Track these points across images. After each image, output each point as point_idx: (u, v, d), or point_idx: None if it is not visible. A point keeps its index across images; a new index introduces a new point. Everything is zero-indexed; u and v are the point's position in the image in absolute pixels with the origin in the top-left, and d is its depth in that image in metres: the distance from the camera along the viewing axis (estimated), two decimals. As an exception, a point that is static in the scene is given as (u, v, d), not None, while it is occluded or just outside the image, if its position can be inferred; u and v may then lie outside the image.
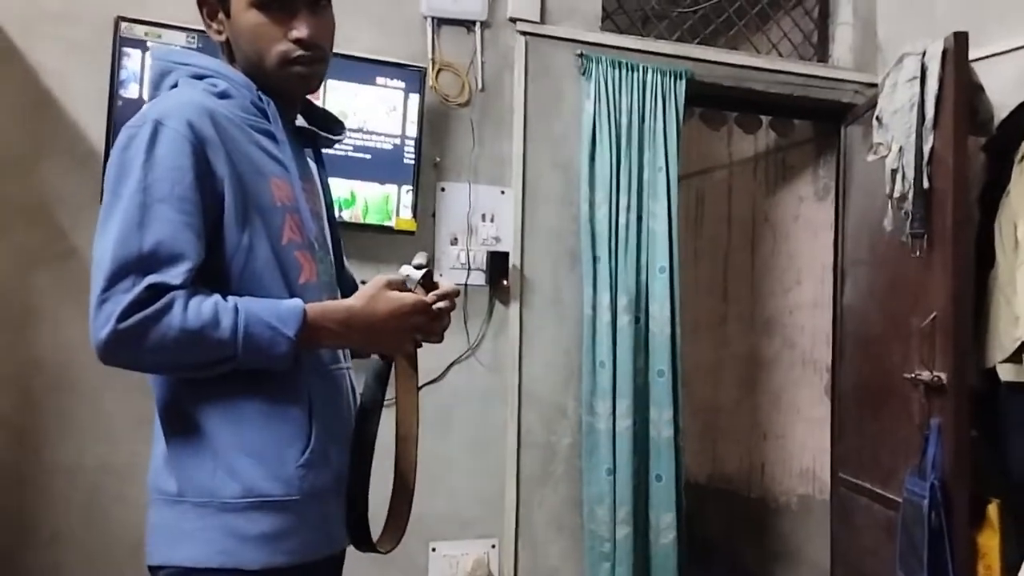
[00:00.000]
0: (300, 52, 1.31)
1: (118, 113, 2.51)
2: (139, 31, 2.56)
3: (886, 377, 3.06)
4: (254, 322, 1.18)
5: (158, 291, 1.15)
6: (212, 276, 1.22)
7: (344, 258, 1.51)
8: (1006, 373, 2.66)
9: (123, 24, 2.55)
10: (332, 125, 1.49)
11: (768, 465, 4.18)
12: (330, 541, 1.34)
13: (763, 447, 4.21)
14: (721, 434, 4.54)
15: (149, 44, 2.54)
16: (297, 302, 1.23)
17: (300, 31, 1.31)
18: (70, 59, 2.61)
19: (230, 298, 1.19)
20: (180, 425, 1.26)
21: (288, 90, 1.36)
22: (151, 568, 1.28)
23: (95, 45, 2.58)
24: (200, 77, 1.32)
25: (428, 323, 1.33)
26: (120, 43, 2.54)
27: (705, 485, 4.51)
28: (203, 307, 1.16)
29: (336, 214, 1.51)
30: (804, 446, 3.90)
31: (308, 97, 1.44)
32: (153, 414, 1.30)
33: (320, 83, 1.40)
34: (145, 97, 2.53)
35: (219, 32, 1.35)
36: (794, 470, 3.98)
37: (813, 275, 3.87)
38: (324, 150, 1.51)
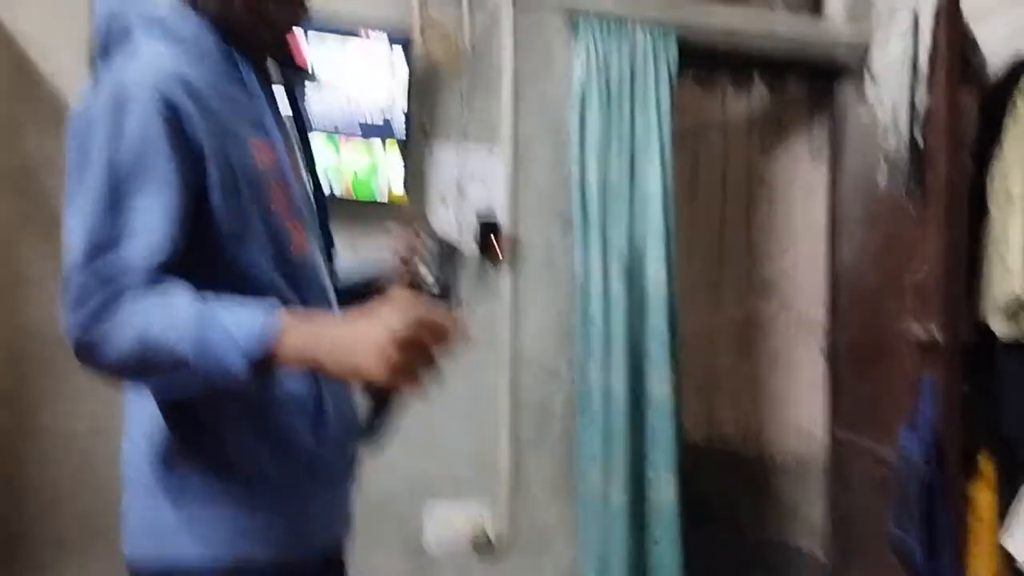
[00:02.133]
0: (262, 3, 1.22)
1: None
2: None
3: (880, 335, 3.05)
4: (209, 328, 1.02)
5: (115, 280, 1.04)
6: (201, 252, 1.12)
7: (328, 217, 1.39)
8: (1000, 328, 2.65)
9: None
10: (296, 68, 1.38)
11: (765, 425, 4.19)
12: (328, 534, 1.30)
13: (760, 408, 4.22)
14: (718, 396, 4.54)
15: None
16: (266, 309, 1.05)
17: None
18: (48, 23, 2.59)
19: (203, 296, 1.05)
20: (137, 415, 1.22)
21: (258, 37, 1.25)
22: (129, 562, 1.22)
23: (73, 6, 2.55)
24: (160, 26, 1.18)
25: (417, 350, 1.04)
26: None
27: (702, 446, 4.52)
28: (167, 306, 1.04)
29: (314, 164, 1.39)
30: (800, 406, 3.90)
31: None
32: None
33: (291, 27, 1.30)
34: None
35: None
36: (791, 430, 3.99)
37: (809, 236, 3.85)
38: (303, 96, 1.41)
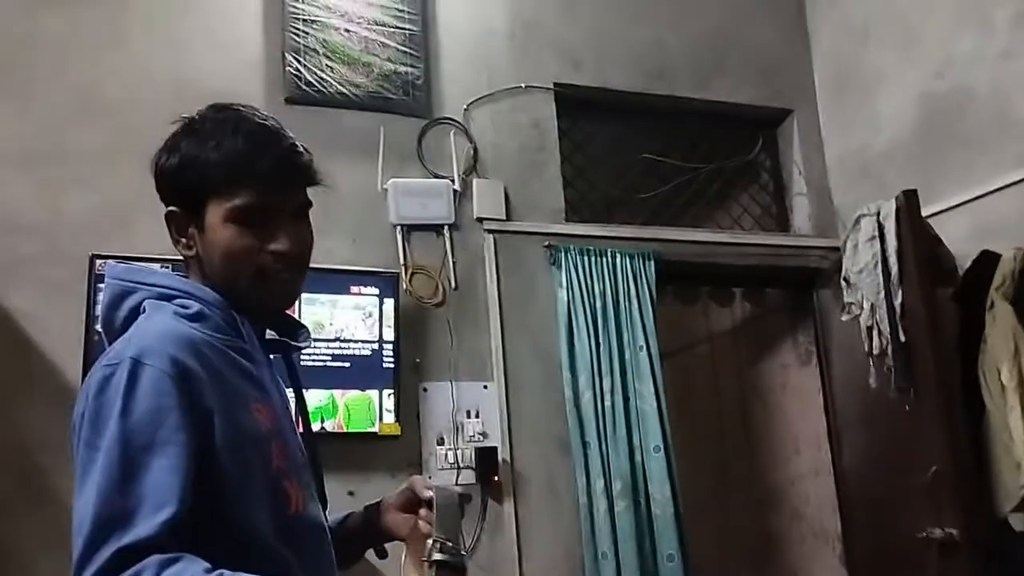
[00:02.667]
0: (279, 266, 1.23)
1: (94, 349, 2.52)
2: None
3: (899, 540, 2.96)
4: None
5: (128, 555, 1.00)
6: (204, 511, 1.09)
7: (321, 471, 1.36)
8: (1018, 523, 2.57)
9: (98, 261, 2.61)
10: (297, 331, 1.38)
11: (794, 648, 3.95)
12: None
13: (786, 629, 3.99)
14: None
15: (124, 276, 2.60)
16: None
17: (280, 244, 1.22)
18: (46, 300, 2.66)
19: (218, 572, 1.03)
20: None
21: (264, 306, 1.27)
22: None
23: (71, 284, 2.63)
24: (167, 298, 1.20)
25: None
26: (95, 280, 2.59)
27: None
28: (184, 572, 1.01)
29: (310, 424, 1.43)
30: (828, 623, 3.70)
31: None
32: None
33: (297, 297, 1.33)
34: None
35: (189, 248, 1.24)
36: (821, 651, 3.76)
37: (809, 442, 3.81)
38: (299, 359, 1.46)
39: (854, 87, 3.64)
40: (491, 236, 3.22)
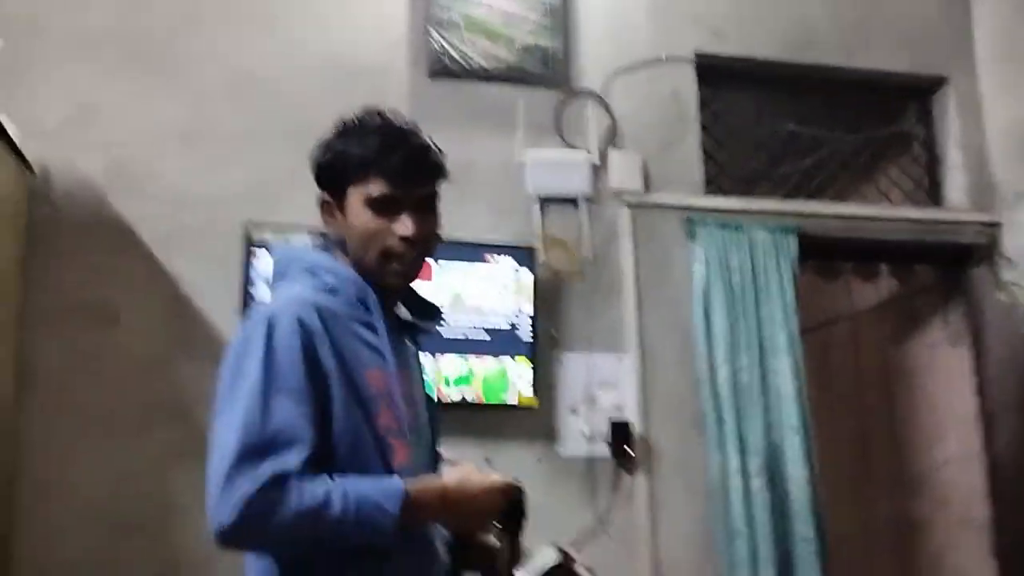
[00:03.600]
0: (403, 249, 1.42)
1: (249, 310, 2.65)
2: (267, 234, 2.74)
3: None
4: (362, 502, 1.24)
5: (281, 479, 1.21)
6: (322, 461, 1.28)
7: (438, 437, 1.58)
8: None
9: (252, 228, 2.74)
10: (431, 312, 1.59)
11: (936, 638, 3.81)
12: None
13: (928, 618, 3.86)
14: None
15: (271, 247, 2.72)
16: (398, 481, 1.29)
17: (405, 228, 1.41)
18: (205, 267, 2.81)
19: (337, 478, 1.25)
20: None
21: (386, 282, 1.45)
22: None
23: (227, 250, 2.77)
24: (312, 273, 1.44)
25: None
26: (249, 246, 2.73)
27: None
28: (316, 489, 1.22)
29: (434, 396, 1.66)
30: (974, 615, 3.55)
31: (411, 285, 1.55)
32: None
33: (415, 277, 1.51)
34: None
35: (335, 230, 1.47)
36: (966, 643, 3.62)
37: (957, 426, 3.64)
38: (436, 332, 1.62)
39: (1019, 57, 3.42)
40: (628, 209, 3.20)
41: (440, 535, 1.46)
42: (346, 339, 1.37)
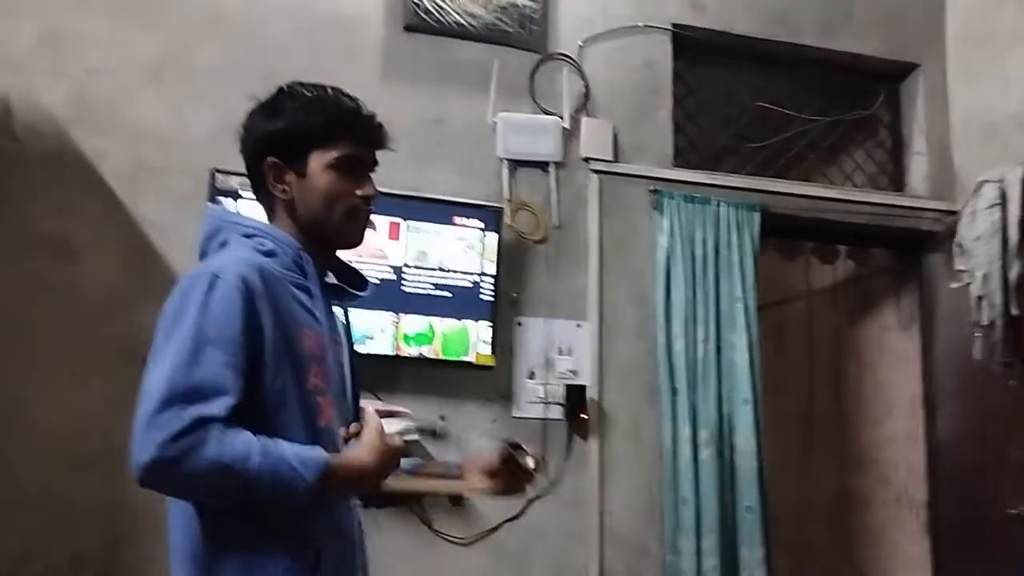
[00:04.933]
0: (365, 207, 1.54)
1: (211, 258, 2.64)
2: (233, 181, 2.71)
3: (987, 514, 2.91)
4: (280, 464, 1.28)
5: (201, 423, 1.25)
6: (248, 414, 1.32)
7: (359, 397, 1.63)
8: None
9: (218, 176, 2.71)
10: (358, 281, 1.65)
11: (867, 610, 3.95)
12: None
13: (860, 590, 3.99)
14: (816, 575, 4.32)
15: (241, 192, 2.70)
16: (321, 452, 1.33)
17: (367, 190, 1.53)
18: (170, 210, 2.78)
19: (261, 437, 1.29)
20: (194, 570, 1.38)
21: (346, 239, 1.56)
22: None
23: (193, 197, 2.74)
24: (249, 236, 1.49)
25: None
26: (214, 193, 2.70)
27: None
28: (236, 441, 1.27)
29: (354, 359, 1.65)
30: (904, 588, 3.68)
31: (339, 255, 1.62)
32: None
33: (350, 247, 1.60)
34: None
35: (284, 192, 1.52)
36: (895, 615, 3.75)
37: (902, 407, 3.74)
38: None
39: (987, 45, 3.46)
40: (596, 177, 3.21)
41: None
42: (284, 300, 1.43)
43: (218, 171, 2.72)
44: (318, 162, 1.50)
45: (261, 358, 1.36)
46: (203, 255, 1.52)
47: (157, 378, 1.29)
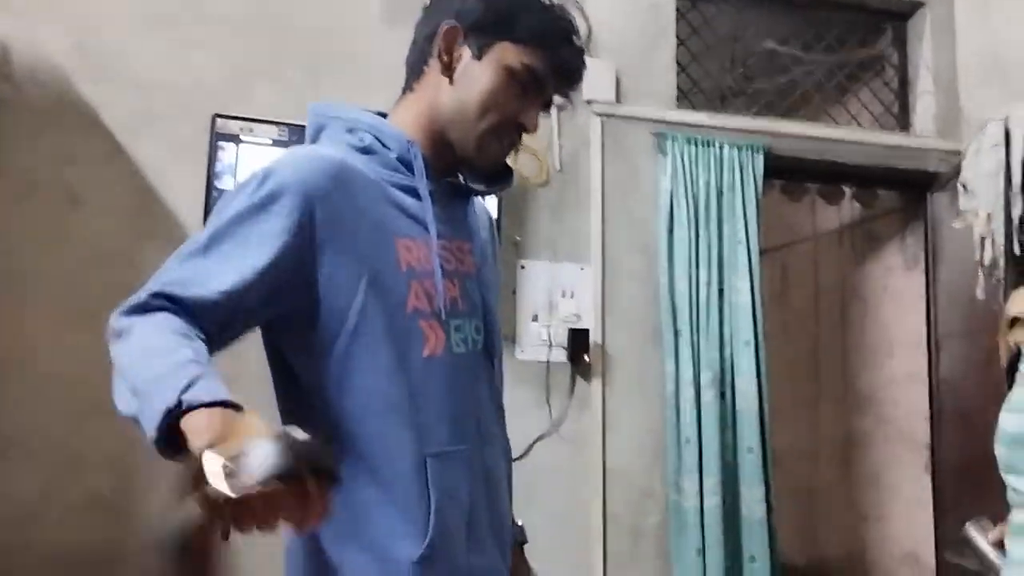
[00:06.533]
0: (512, 137, 1.29)
1: (214, 204, 2.64)
2: (234, 127, 2.72)
3: (987, 455, 2.92)
4: (154, 388, 0.95)
5: (161, 297, 1.06)
6: (311, 348, 1.16)
7: (495, 325, 1.37)
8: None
9: (219, 120, 2.71)
10: (498, 177, 1.38)
11: (868, 548, 4.01)
12: None
13: (862, 529, 4.04)
14: (819, 516, 4.38)
15: (242, 137, 2.70)
16: (204, 392, 0.94)
17: (528, 120, 1.28)
18: (170, 155, 2.78)
19: (197, 360, 0.99)
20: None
21: (479, 155, 1.29)
22: None
23: (194, 140, 2.75)
24: (350, 130, 1.28)
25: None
26: (216, 138, 2.71)
27: (803, 568, 4.34)
28: (156, 333, 1.02)
29: (481, 274, 1.38)
30: (906, 528, 3.73)
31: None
32: None
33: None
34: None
35: (444, 65, 1.28)
36: (896, 553, 3.81)
37: (906, 347, 3.76)
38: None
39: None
40: (599, 119, 3.19)
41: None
42: (372, 205, 1.21)
43: (219, 116, 2.72)
44: (503, 54, 1.25)
45: (314, 279, 1.15)
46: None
47: (167, 262, 1.12)
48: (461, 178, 1.35)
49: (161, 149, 2.79)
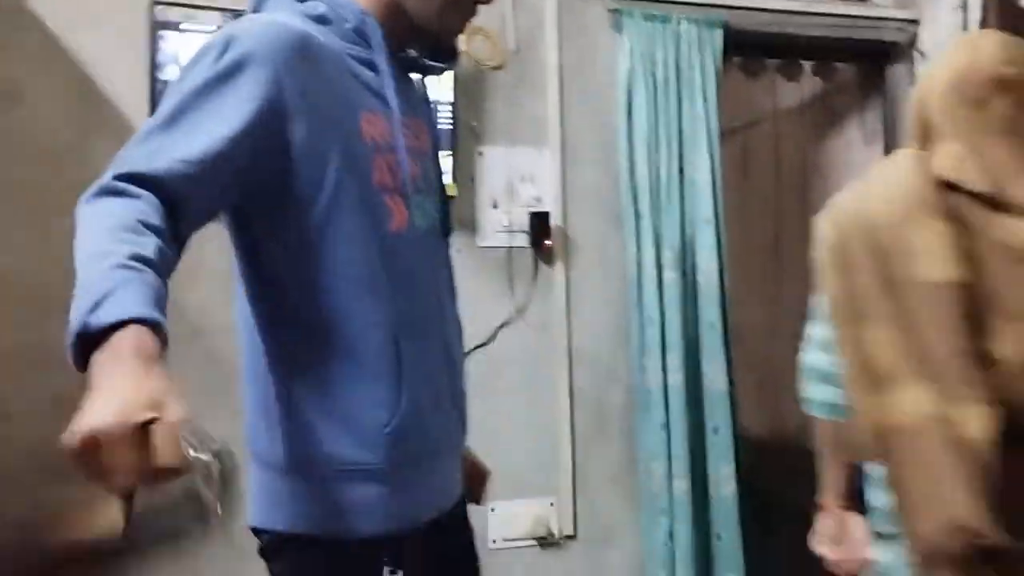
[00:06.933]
0: (471, 7, 1.33)
1: (159, 95, 2.57)
2: (174, 13, 2.61)
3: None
4: (94, 286, 0.88)
5: (124, 179, 1.00)
6: (285, 223, 1.15)
7: (447, 202, 1.41)
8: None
9: (157, 7, 2.61)
10: (444, 54, 1.38)
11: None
12: (426, 507, 1.31)
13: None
14: (780, 390, 4.48)
15: (183, 25, 2.60)
16: (140, 309, 0.87)
17: None
18: (110, 46, 2.67)
19: (140, 264, 0.91)
20: (267, 388, 1.21)
21: (445, 26, 1.31)
22: (252, 528, 1.28)
23: (133, 31, 2.64)
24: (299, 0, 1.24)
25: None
26: (155, 27, 2.60)
27: (765, 439, 4.47)
28: (122, 234, 0.93)
29: (436, 151, 1.43)
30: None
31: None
32: (237, 376, 1.30)
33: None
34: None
35: None
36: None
37: (866, 222, 3.79)
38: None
39: None
40: (553, -3, 3.12)
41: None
42: (336, 77, 1.19)
43: (158, 3, 2.61)
44: None
45: (288, 147, 1.12)
46: None
47: (125, 146, 1.06)
48: (413, 54, 1.33)
49: (99, 42, 2.67)
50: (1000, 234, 1.28)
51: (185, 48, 2.59)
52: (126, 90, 2.67)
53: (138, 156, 1.02)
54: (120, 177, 0.99)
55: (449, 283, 1.43)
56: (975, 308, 1.27)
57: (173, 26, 2.60)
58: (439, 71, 1.39)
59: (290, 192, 1.14)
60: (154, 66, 2.59)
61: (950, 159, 1.33)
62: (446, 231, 1.40)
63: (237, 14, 2.60)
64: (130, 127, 2.63)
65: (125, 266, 0.90)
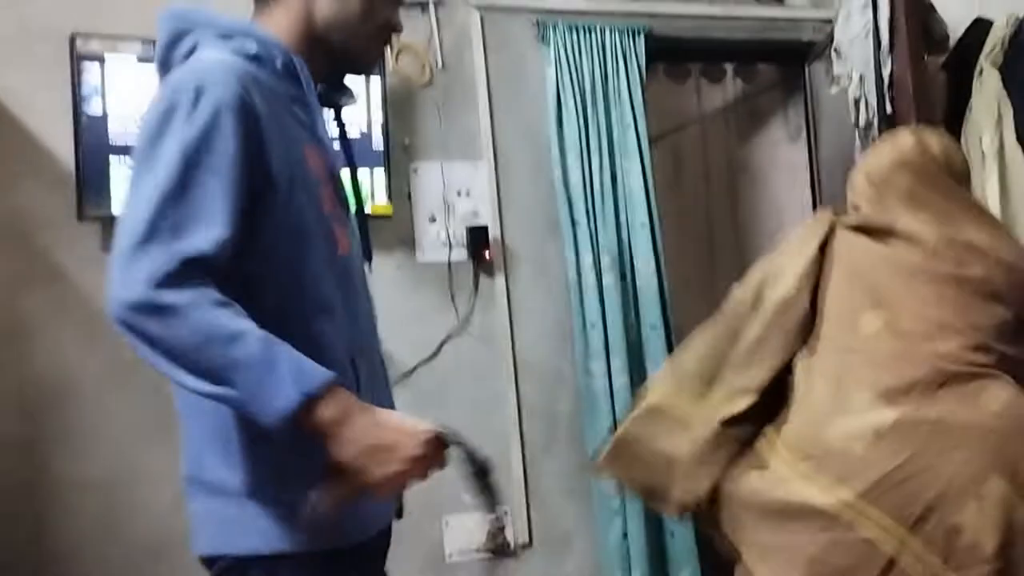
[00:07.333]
0: (389, 39, 1.40)
1: (84, 130, 2.53)
2: (96, 46, 2.58)
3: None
4: (278, 361, 1.07)
5: (194, 264, 1.07)
6: (259, 252, 1.17)
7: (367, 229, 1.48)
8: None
9: (79, 40, 2.57)
10: (343, 92, 1.46)
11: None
12: (383, 517, 1.37)
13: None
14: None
15: (106, 56, 2.57)
16: (330, 372, 1.11)
17: (398, 22, 1.39)
18: (30, 80, 2.62)
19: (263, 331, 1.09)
20: (225, 418, 1.20)
21: (364, 60, 1.39)
22: (202, 559, 1.27)
23: (53, 63, 2.59)
24: (227, 36, 1.25)
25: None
26: (78, 59, 2.56)
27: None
28: (237, 316, 1.08)
29: (358, 181, 1.52)
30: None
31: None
32: (168, 410, 1.31)
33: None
34: (109, 108, 2.56)
35: None
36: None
37: (793, 217, 3.88)
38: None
39: None
40: (478, 12, 3.14)
41: None
42: (281, 113, 1.22)
43: (78, 35, 2.58)
44: None
45: (270, 184, 1.17)
46: (165, 68, 1.27)
47: (138, 204, 1.09)
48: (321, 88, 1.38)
49: (19, 75, 2.62)
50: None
51: (109, 79, 2.56)
52: (49, 125, 2.62)
53: (184, 232, 1.08)
54: (187, 261, 1.07)
55: (371, 304, 1.47)
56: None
57: (96, 57, 2.56)
58: (342, 106, 1.45)
59: (269, 220, 1.18)
60: (78, 99, 2.55)
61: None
62: (368, 253, 1.47)
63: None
64: (55, 163, 2.60)
65: (268, 338, 1.08)
